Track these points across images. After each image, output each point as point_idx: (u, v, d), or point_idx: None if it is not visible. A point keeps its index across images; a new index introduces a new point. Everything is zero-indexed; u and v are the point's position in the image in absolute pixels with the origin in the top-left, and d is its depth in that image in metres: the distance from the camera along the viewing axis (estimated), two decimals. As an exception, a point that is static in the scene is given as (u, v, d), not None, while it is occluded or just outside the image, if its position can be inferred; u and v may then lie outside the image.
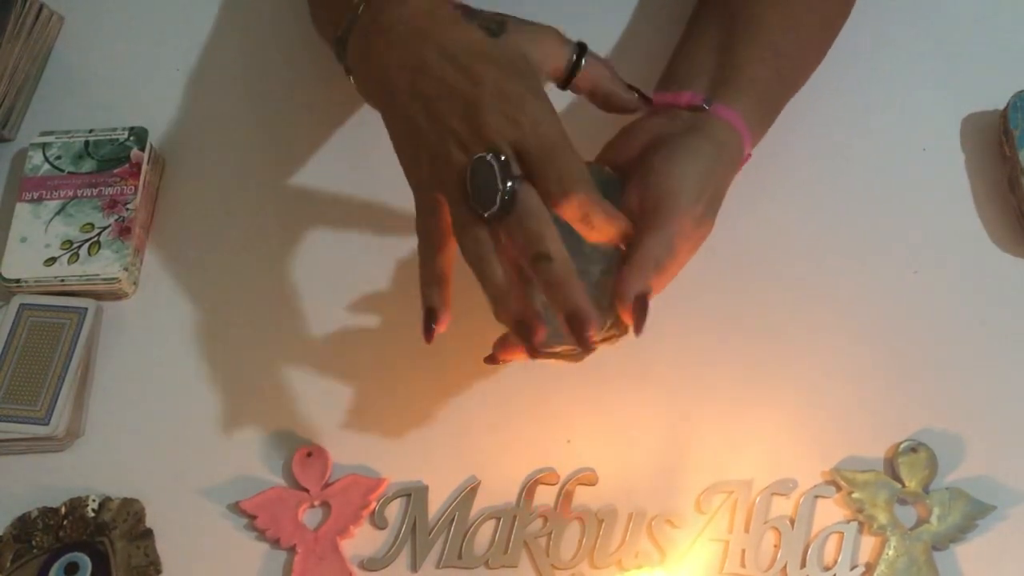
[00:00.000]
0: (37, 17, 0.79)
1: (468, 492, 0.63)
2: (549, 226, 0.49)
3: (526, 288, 0.50)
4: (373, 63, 0.53)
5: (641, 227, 0.54)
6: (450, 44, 0.51)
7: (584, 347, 0.50)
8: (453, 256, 0.52)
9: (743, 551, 0.61)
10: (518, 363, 0.66)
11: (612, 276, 0.54)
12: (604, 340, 0.55)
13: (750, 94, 0.62)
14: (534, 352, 0.51)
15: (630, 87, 0.56)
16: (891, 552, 0.60)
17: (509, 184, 0.48)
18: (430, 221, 0.52)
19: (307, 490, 0.63)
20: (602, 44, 0.69)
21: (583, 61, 0.54)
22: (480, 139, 0.49)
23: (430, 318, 0.52)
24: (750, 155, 0.63)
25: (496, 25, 0.52)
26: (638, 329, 0.52)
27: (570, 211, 0.49)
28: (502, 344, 0.55)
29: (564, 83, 0.55)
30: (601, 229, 0.50)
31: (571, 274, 0.49)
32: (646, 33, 0.77)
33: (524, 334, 0.50)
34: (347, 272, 0.71)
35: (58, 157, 0.73)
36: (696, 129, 0.59)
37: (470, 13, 0.53)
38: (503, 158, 0.48)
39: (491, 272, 0.50)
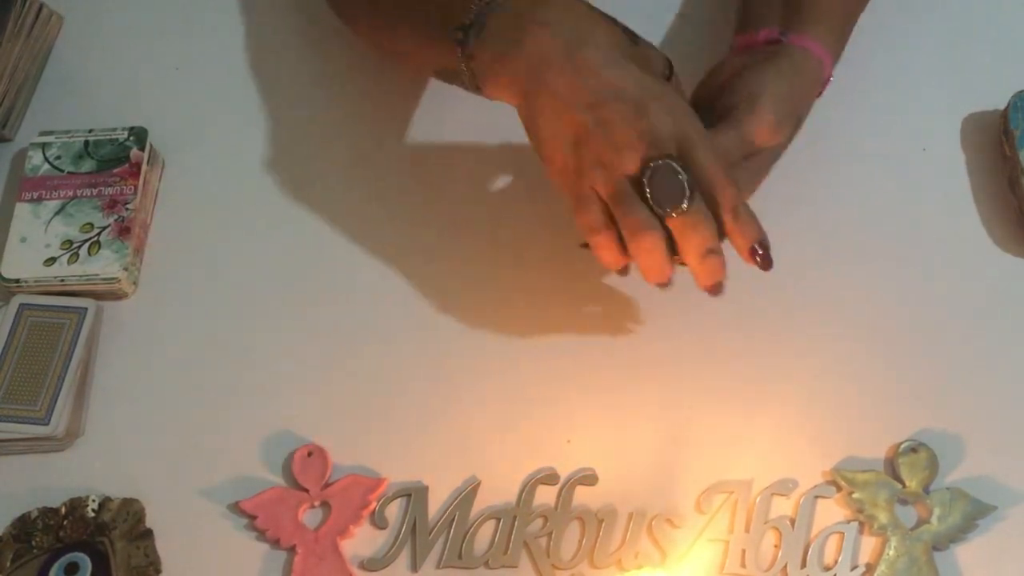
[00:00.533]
0: (37, 17, 0.79)
1: (468, 492, 0.63)
2: (714, 223, 0.55)
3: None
4: (530, 59, 0.55)
5: (717, 127, 0.59)
6: (609, 48, 0.55)
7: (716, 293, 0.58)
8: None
9: (743, 551, 0.61)
10: (517, 367, 0.67)
11: None
12: None
13: (822, 19, 0.65)
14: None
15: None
16: (891, 552, 0.60)
17: (686, 183, 0.54)
18: (593, 217, 0.56)
19: (307, 490, 0.63)
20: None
21: (672, 76, 0.60)
22: (654, 142, 0.54)
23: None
24: (831, 76, 0.66)
25: (630, 32, 0.56)
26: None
27: (728, 202, 0.55)
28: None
29: None
30: (737, 225, 0.56)
31: (722, 259, 0.56)
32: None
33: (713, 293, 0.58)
34: (347, 271, 0.71)
35: (58, 157, 0.73)
36: (775, 56, 0.63)
37: (609, 17, 0.57)
38: (678, 163, 0.54)
39: (663, 266, 0.56)
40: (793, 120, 0.63)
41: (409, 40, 0.65)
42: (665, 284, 0.58)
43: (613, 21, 0.57)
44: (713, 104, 0.63)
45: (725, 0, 0.75)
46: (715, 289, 0.58)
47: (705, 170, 0.55)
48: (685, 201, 0.54)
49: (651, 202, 0.54)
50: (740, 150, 0.60)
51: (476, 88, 0.60)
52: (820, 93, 0.67)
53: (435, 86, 0.77)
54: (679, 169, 0.54)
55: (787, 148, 0.65)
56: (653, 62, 0.58)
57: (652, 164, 0.54)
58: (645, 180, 0.54)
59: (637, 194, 0.54)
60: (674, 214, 0.54)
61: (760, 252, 0.57)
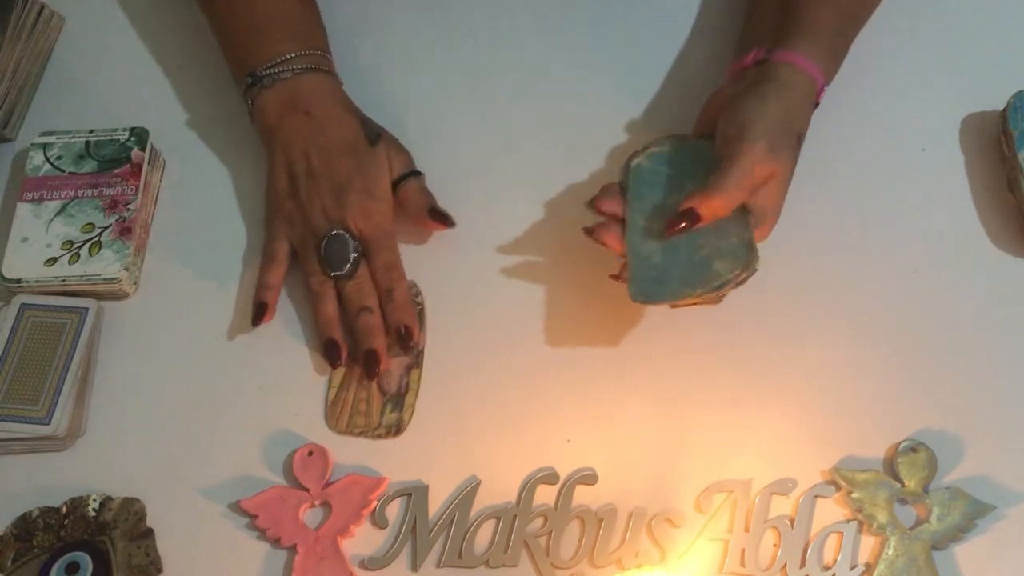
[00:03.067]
0: (38, 17, 0.79)
1: (468, 492, 0.63)
2: (372, 290, 0.68)
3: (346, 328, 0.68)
4: (286, 126, 0.70)
5: (716, 169, 0.62)
6: (342, 140, 0.69)
7: (371, 377, 0.66)
8: (284, 274, 0.69)
9: (743, 550, 0.61)
10: (517, 367, 0.67)
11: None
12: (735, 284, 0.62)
13: (808, 33, 0.65)
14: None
15: (437, 211, 0.70)
16: (891, 552, 0.60)
17: (354, 256, 0.67)
18: (279, 247, 0.69)
19: (307, 490, 0.63)
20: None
21: (408, 179, 0.70)
22: (340, 216, 0.68)
23: (260, 312, 0.67)
24: (824, 87, 0.66)
25: (375, 136, 0.70)
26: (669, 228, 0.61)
27: (383, 284, 0.68)
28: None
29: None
30: (390, 305, 0.68)
31: (380, 325, 0.67)
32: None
33: (327, 352, 0.67)
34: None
35: (59, 157, 0.73)
36: (760, 78, 0.64)
37: (363, 120, 0.71)
38: (352, 238, 0.67)
39: (322, 310, 0.67)
40: (788, 139, 0.63)
41: (218, 35, 0.76)
42: (329, 352, 0.67)
43: (363, 122, 0.71)
44: (714, 135, 0.64)
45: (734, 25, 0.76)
46: (368, 357, 0.66)
47: (376, 252, 0.68)
48: (347, 267, 0.67)
49: (322, 263, 0.67)
50: (743, 187, 0.61)
51: (246, 105, 0.72)
52: (816, 104, 0.66)
53: (437, 87, 0.77)
54: (350, 242, 0.67)
55: (795, 164, 0.64)
56: (392, 163, 0.70)
57: (332, 233, 0.67)
58: (323, 244, 0.67)
59: (315, 253, 0.68)
60: (339, 272, 0.67)
61: (402, 332, 0.67)
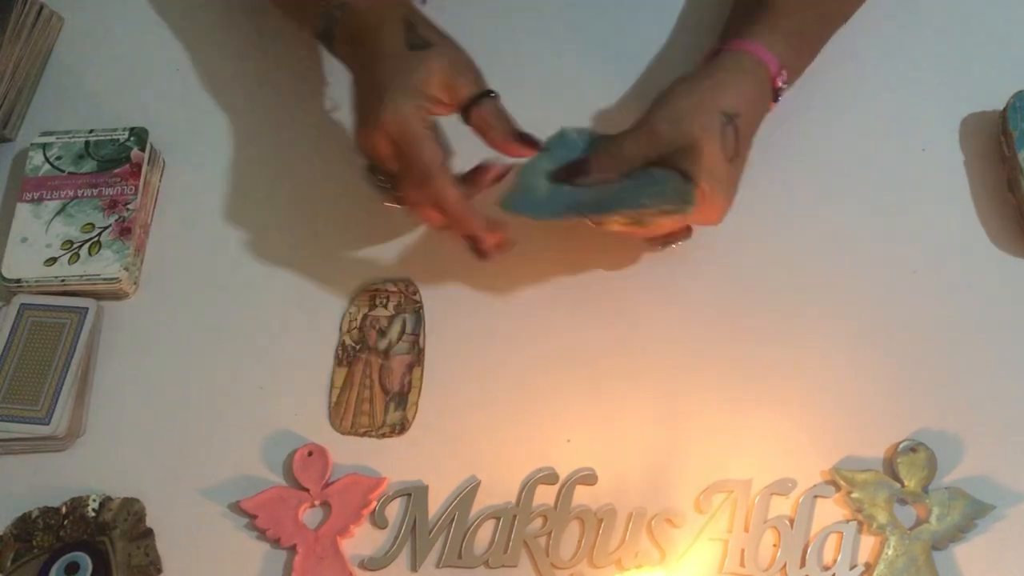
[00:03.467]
0: (37, 17, 0.79)
1: (468, 492, 0.63)
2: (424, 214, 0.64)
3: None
4: (348, 47, 0.65)
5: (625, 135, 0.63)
6: (383, 44, 0.63)
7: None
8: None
9: (743, 551, 0.61)
10: (517, 367, 0.67)
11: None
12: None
13: (774, 25, 0.66)
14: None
15: (520, 133, 0.64)
16: (890, 552, 0.60)
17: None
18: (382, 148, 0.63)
19: (307, 490, 0.63)
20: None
21: (480, 102, 0.63)
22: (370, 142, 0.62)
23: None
24: (783, 77, 0.65)
25: (422, 43, 0.63)
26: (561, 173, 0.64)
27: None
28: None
29: (462, 114, 0.64)
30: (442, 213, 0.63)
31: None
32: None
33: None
34: (347, 271, 0.71)
35: (58, 157, 0.73)
36: (707, 65, 0.65)
37: (412, 26, 0.64)
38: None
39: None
40: (705, 114, 0.62)
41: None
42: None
43: (409, 27, 0.64)
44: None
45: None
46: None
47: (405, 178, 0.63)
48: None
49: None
50: (639, 146, 0.62)
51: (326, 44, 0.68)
52: (776, 98, 0.66)
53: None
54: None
55: (730, 140, 0.62)
56: (442, 73, 0.63)
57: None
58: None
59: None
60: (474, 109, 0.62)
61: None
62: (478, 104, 0.63)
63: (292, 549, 0.62)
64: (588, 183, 0.63)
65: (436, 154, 0.61)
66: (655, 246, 0.68)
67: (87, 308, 0.68)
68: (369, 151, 0.63)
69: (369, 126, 0.61)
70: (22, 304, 0.68)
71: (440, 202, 0.62)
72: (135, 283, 0.71)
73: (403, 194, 0.63)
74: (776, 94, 0.66)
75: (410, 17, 0.64)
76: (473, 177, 0.65)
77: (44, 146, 0.73)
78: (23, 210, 0.71)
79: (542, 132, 0.71)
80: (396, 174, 0.63)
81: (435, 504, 0.63)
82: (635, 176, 0.63)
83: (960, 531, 0.61)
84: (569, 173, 0.63)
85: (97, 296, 0.69)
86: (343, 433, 0.65)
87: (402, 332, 0.68)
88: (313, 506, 0.63)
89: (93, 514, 0.62)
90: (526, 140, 0.64)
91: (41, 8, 0.79)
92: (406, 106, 0.61)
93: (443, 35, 0.64)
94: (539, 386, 0.66)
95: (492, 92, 0.64)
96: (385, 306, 0.69)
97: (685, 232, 0.66)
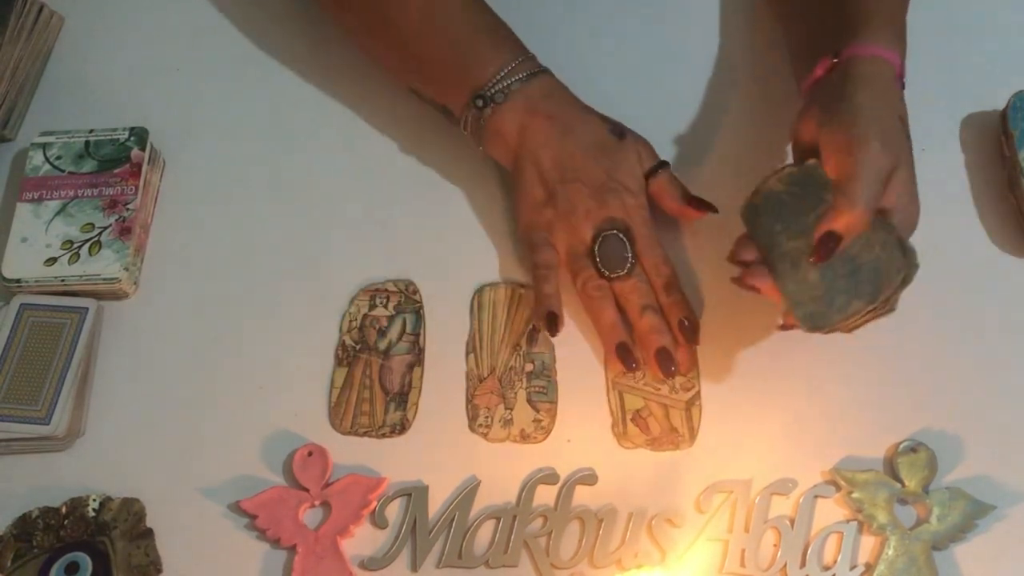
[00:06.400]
0: (37, 17, 0.79)
1: (468, 492, 0.63)
2: (650, 288, 0.66)
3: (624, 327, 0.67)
4: (529, 136, 0.68)
5: (836, 195, 0.58)
6: (590, 140, 0.68)
7: (668, 375, 0.65)
8: (558, 281, 0.67)
9: (743, 551, 0.61)
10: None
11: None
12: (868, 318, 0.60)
13: (871, 22, 0.63)
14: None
15: (695, 198, 0.68)
16: (891, 552, 0.60)
17: (630, 255, 0.66)
18: (549, 255, 0.67)
19: (307, 490, 0.63)
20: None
21: (658, 172, 0.68)
22: (606, 216, 0.66)
23: (553, 322, 0.65)
24: (902, 66, 0.63)
25: (620, 131, 0.69)
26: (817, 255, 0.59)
27: (658, 280, 0.67)
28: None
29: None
30: (670, 300, 0.66)
31: (664, 322, 0.66)
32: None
33: (622, 357, 0.65)
34: (347, 271, 0.71)
35: (58, 157, 0.73)
36: (840, 81, 0.61)
37: (601, 116, 0.69)
38: (624, 235, 0.66)
39: (607, 315, 0.66)
40: (893, 126, 0.60)
41: (415, 71, 0.72)
42: (624, 357, 0.65)
43: (602, 118, 0.69)
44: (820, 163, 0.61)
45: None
46: (661, 356, 0.65)
47: (646, 249, 0.67)
48: (627, 266, 0.66)
49: (599, 265, 0.66)
50: (873, 194, 0.57)
51: (470, 135, 0.70)
52: (903, 85, 0.63)
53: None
54: (624, 241, 0.66)
55: (911, 144, 0.61)
56: (641, 156, 0.68)
57: (603, 234, 0.66)
58: (596, 247, 0.66)
59: (589, 259, 0.66)
60: (617, 273, 0.66)
61: (687, 325, 0.66)
62: (654, 175, 0.68)
63: (292, 549, 0.62)
64: (836, 251, 0.58)
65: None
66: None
67: (87, 308, 0.68)
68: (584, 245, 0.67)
69: (615, 202, 0.67)
70: (22, 304, 0.68)
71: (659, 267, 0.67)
72: (135, 283, 0.71)
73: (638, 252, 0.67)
74: (903, 86, 0.63)
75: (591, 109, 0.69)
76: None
77: (44, 146, 0.73)
78: (23, 210, 0.71)
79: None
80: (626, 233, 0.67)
81: (435, 504, 0.63)
82: (851, 257, 0.58)
83: (961, 531, 0.61)
84: (821, 252, 0.58)
85: (97, 296, 0.69)
86: (343, 433, 0.65)
87: (402, 332, 0.68)
88: (313, 506, 0.63)
89: (93, 514, 0.62)
90: (700, 204, 0.67)
91: (41, 8, 0.79)
92: (640, 198, 0.67)
93: (616, 120, 0.69)
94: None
95: (665, 163, 0.69)
96: (385, 306, 0.69)
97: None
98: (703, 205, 0.67)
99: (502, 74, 0.68)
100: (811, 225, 0.59)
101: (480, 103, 0.68)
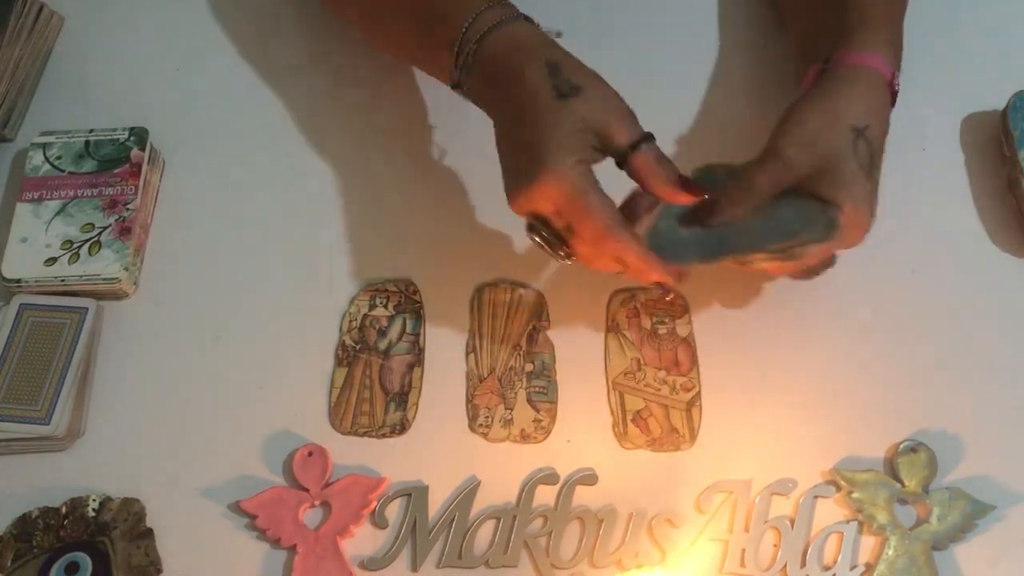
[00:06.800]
0: (37, 17, 0.79)
1: (468, 492, 0.63)
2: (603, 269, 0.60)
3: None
4: (487, 91, 0.62)
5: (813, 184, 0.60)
6: (528, 94, 0.58)
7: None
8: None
9: (743, 551, 0.61)
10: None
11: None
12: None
13: (876, 32, 0.63)
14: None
15: (687, 180, 0.60)
16: (891, 552, 0.60)
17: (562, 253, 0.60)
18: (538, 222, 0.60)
19: (307, 490, 0.63)
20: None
21: (640, 146, 0.58)
22: (523, 208, 0.59)
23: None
24: (896, 79, 0.64)
25: (570, 89, 0.58)
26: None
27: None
28: None
29: (619, 161, 0.59)
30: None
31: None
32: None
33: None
34: (347, 271, 0.71)
35: (58, 157, 0.73)
36: (817, 84, 0.62)
37: (556, 69, 0.59)
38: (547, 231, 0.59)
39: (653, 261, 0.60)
40: (833, 133, 0.60)
41: (402, 42, 0.69)
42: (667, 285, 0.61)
43: (553, 70, 0.59)
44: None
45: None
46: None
47: (580, 244, 0.59)
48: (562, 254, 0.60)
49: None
50: (768, 179, 0.60)
51: (459, 87, 0.64)
52: (894, 101, 0.64)
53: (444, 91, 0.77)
54: (552, 239, 0.59)
55: (864, 155, 0.61)
56: (595, 121, 0.59)
57: (533, 233, 0.60)
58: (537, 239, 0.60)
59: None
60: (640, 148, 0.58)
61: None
62: (637, 150, 0.59)
63: (292, 549, 0.62)
64: (720, 223, 0.60)
65: (609, 208, 0.58)
66: (799, 277, 0.65)
67: (87, 308, 0.68)
68: (529, 213, 0.60)
69: (524, 187, 0.58)
70: (22, 304, 0.68)
71: (621, 256, 0.59)
72: (135, 283, 0.71)
73: (576, 249, 0.60)
74: (894, 97, 0.64)
75: (553, 58, 0.59)
76: (627, 209, 0.61)
77: (44, 146, 0.73)
78: (23, 210, 0.71)
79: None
80: (563, 230, 0.59)
81: (435, 504, 0.63)
82: (772, 209, 0.60)
83: (961, 531, 0.61)
84: (699, 215, 0.60)
85: (97, 296, 0.69)
86: (343, 433, 0.65)
87: (402, 332, 0.68)
88: (313, 506, 0.63)
89: (93, 514, 0.62)
90: (692, 187, 0.59)
91: (41, 8, 0.79)
92: (564, 164, 0.57)
93: (590, 74, 0.60)
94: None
95: (650, 136, 0.60)
96: (385, 306, 0.69)
97: (830, 259, 0.64)
98: (696, 188, 0.59)
99: (467, 25, 0.61)
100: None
101: (458, 56, 0.62)
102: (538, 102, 0.58)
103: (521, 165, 0.58)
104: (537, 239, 0.60)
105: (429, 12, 0.64)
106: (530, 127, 0.58)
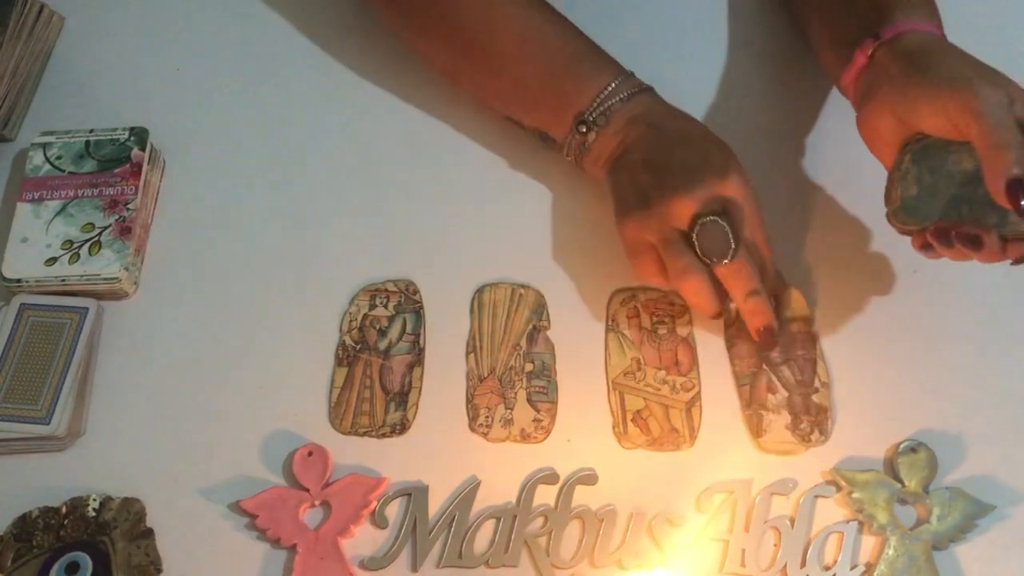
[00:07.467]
0: (38, 17, 0.79)
1: (468, 492, 0.63)
2: (753, 270, 0.63)
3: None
4: (626, 147, 0.65)
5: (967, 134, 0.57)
6: (678, 132, 0.65)
7: (770, 346, 0.65)
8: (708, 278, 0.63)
9: (743, 551, 0.61)
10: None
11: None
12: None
13: (907, 3, 0.63)
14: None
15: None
16: (891, 552, 0.60)
17: (732, 241, 0.61)
18: (647, 260, 0.64)
19: (307, 490, 0.63)
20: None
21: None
22: (705, 204, 0.61)
23: (769, 334, 0.64)
24: (944, 38, 0.63)
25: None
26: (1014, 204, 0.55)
27: (756, 260, 0.63)
28: None
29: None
30: (770, 275, 0.66)
31: (766, 300, 0.63)
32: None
33: (765, 340, 0.64)
34: (347, 271, 0.71)
35: (59, 157, 0.73)
36: (897, 57, 0.61)
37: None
38: (724, 220, 0.61)
39: (712, 303, 0.63)
40: (985, 69, 0.58)
41: (512, 99, 0.70)
42: (717, 316, 0.64)
43: (693, 120, 0.66)
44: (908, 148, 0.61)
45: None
46: (764, 334, 0.64)
47: (749, 233, 0.63)
48: (730, 253, 0.61)
49: (699, 252, 0.62)
50: (1009, 127, 0.56)
51: (572, 160, 0.69)
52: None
53: (444, 91, 0.77)
54: (725, 226, 0.61)
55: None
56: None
57: (700, 221, 0.61)
58: (694, 234, 0.62)
59: (686, 244, 0.62)
60: (723, 262, 0.62)
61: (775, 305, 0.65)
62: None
63: (292, 549, 0.62)
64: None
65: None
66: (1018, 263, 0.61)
67: (87, 308, 0.68)
68: (695, 212, 0.62)
69: (714, 179, 0.62)
70: (22, 304, 0.68)
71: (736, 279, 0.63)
72: (135, 283, 0.71)
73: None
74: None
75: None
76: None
77: (44, 146, 0.73)
78: (23, 210, 0.71)
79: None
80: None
81: (435, 504, 0.63)
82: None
83: (961, 531, 0.61)
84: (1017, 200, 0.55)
85: (97, 296, 0.69)
86: (343, 433, 0.65)
87: (402, 332, 0.68)
88: (313, 506, 0.63)
89: (93, 514, 0.62)
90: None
91: (41, 8, 0.79)
92: (743, 174, 0.63)
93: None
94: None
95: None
96: (385, 306, 0.69)
97: None
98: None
99: (602, 95, 0.66)
100: (966, 171, 0.59)
101: (583, 128, 0.66)
102: (695, 133, 0.65)
103: (706, 161, 0.63)
104: (716, 227, 0.61)
105: (557, 76, 0.67)
106: (703, 140, 0.64)
